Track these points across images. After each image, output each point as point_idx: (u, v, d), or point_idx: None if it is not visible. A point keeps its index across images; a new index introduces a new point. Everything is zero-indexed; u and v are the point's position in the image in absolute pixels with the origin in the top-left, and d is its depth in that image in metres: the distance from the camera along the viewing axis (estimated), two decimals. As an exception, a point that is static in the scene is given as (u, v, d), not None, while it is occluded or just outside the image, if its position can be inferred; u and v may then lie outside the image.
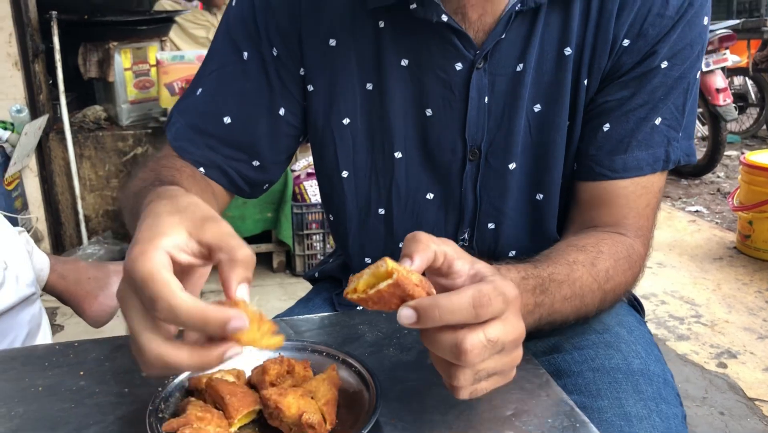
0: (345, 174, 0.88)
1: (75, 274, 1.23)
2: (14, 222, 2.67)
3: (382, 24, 0.81)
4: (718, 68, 4.28)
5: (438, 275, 0.56)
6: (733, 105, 4.36)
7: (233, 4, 0.86)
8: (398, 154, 0.85)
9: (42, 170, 2.99)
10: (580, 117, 0.82)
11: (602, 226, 0.82)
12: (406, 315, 0.52)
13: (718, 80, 4.26)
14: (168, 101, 2.90)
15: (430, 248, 0.54)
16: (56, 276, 1.20)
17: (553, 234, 0.87)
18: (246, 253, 0.51)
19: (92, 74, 3.11)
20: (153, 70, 3.16)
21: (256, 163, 0.88)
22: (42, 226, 2.99)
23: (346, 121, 0.85)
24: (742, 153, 5.33)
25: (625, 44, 0.78)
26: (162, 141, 3.04)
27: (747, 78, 5.80)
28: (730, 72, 5.61)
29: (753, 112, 5.92)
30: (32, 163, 2.94)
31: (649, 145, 0.80)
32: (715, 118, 4.28)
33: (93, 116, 3.09)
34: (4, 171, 2.70)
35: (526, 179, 0.84)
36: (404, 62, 0.82)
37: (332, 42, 0.83)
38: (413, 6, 0.77)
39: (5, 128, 2.76)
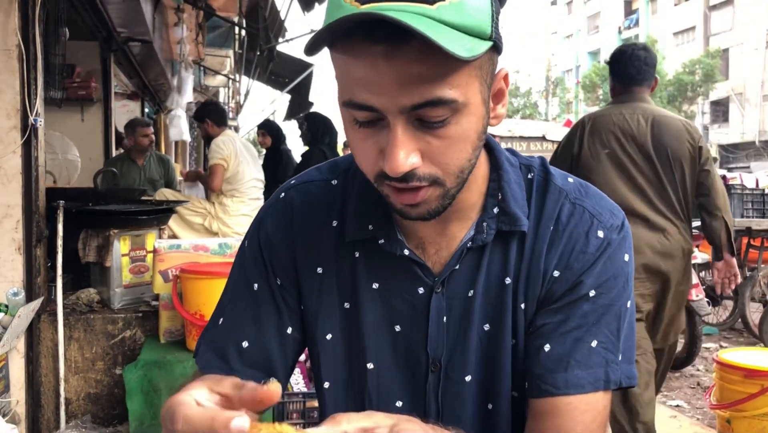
0: (326, 385, 1.00)
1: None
2: (-6, 405, 2.66)
3: (357, 254, 0.96)
4: (688, 265, 4.49)
5: None
6: (706, 300, 4.52)
7: (246, 245, 1.02)
8: (370, 366, 0.97)
9: (29, 351, 3.02)
10: (521, 336, 0.93)
11: None
12: None
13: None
14: (161, 287, 3.00)
15: (341, 425, 0.64)
16: None
17: None
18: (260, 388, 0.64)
19: (90, 259, 3.24)
20: (149, 256, 3.30)
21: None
22: (21, 409, 2.96)
23: (328, 336, 0.98)
24: (720, 345, 5.42)
25: (555, 275, 0.91)
26: (151, 324, 3.13)
27: (720, 271, 6.03)
28: (705, 266, 5.86)
29: (728, 303, 6.09)
30: (20, 344, 2.97)
31: (588, 365, 0.89)
32: (689, 313, 4.42)
33: (86, 299, 3.19)
34: (-8, 353, 2.73)
35: (479, 390, 0.95)
36: (375, 285, 0.95)
37: (319, 270, 0.97)
38: (381, 241, 0.93)
39: (-1, 310, 2.83)
